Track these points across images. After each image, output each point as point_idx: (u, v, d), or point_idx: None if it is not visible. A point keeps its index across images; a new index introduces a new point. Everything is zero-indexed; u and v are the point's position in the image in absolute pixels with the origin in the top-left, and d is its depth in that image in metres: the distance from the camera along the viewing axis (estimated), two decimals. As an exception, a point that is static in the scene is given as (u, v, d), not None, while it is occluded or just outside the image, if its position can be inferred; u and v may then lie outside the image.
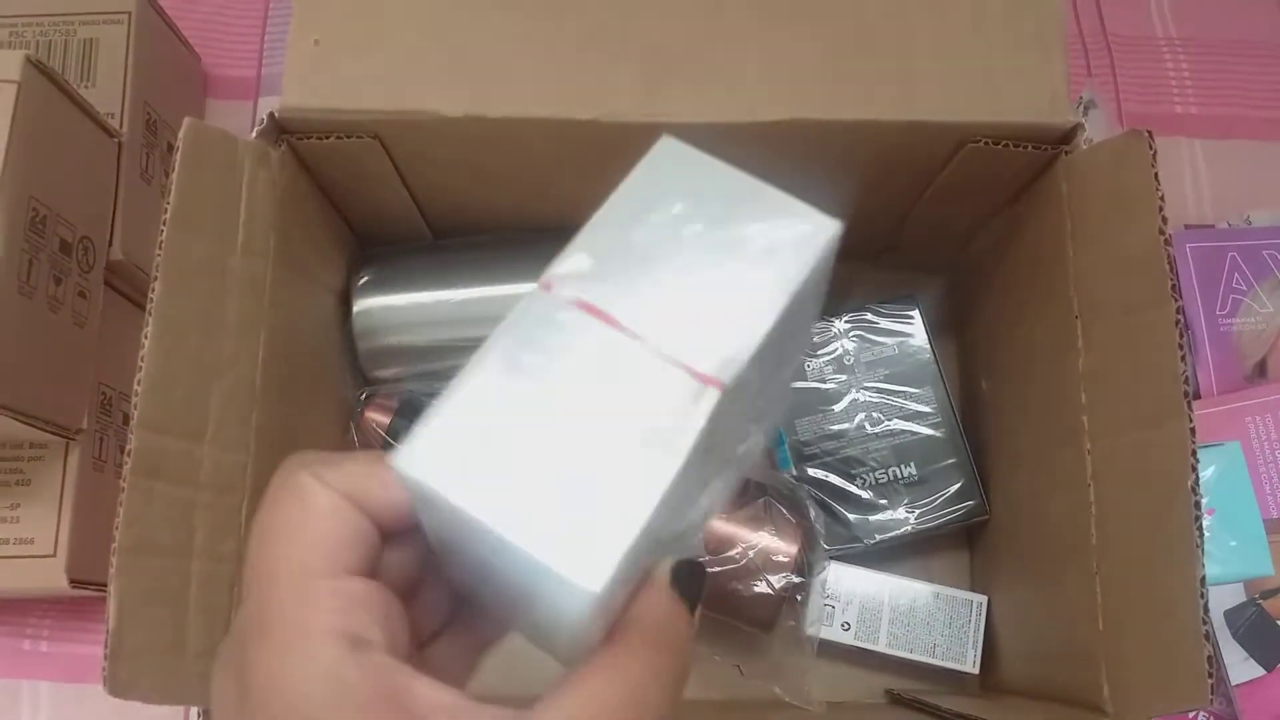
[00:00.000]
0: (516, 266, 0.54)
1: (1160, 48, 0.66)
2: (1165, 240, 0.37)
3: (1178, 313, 0.37)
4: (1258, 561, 0.47)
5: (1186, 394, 0.36)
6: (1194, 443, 0.36)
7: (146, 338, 0.38)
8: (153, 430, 0.38)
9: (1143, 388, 0.38)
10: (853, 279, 0.59)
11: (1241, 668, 0.52)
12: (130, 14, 0.57)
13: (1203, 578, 0.35)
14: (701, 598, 0.23)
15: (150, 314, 0.38)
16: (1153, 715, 0.37)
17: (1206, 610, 0.35)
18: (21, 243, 0.45)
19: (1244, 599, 0.53)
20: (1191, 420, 0.36)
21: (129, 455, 0.37)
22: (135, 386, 0.37)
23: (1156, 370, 0.37)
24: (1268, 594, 0.53)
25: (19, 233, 0.45)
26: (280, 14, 0.68)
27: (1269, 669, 0.52)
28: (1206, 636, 0.34)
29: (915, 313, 0.56)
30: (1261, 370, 0.57)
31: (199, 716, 0.40)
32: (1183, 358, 0.36)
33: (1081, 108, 0.60)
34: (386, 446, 0.52)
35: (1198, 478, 0.35)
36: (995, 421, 0.53)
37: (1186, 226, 0.61)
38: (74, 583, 0.50)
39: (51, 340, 0.48)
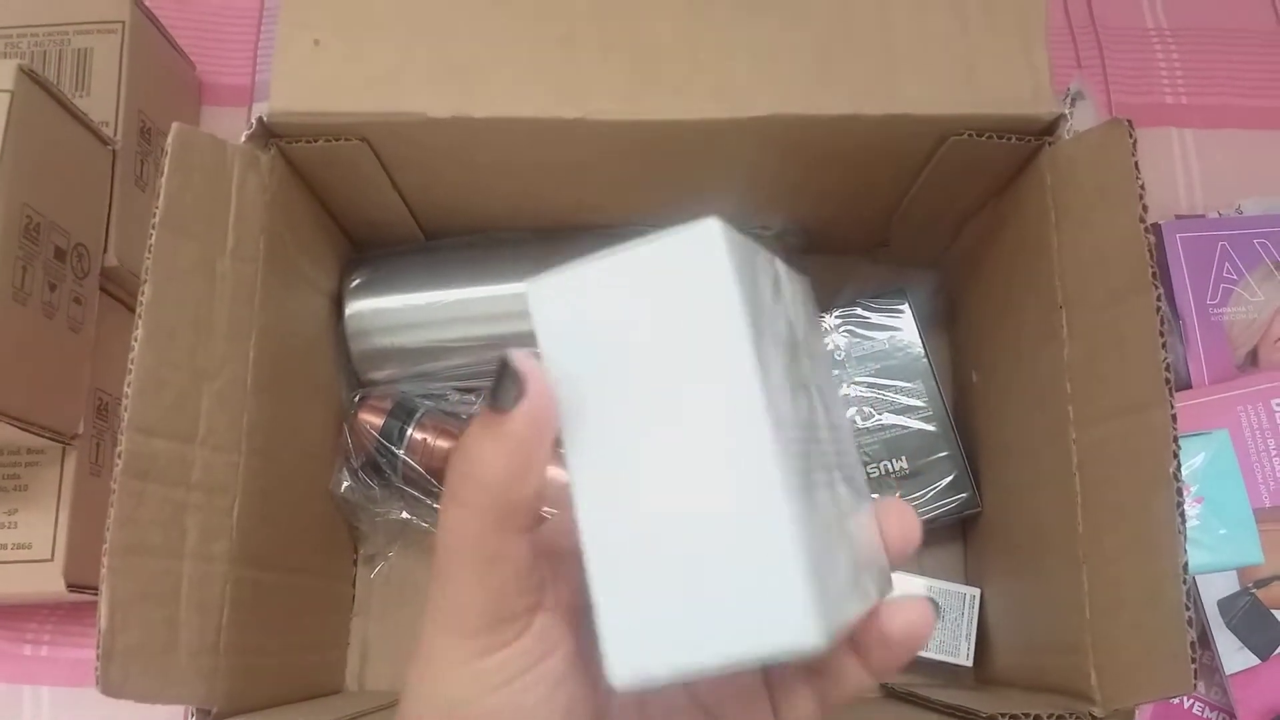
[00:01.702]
0: (508, 267, 0.54)
1: (1150, 38, 0.66)
2: (1145, 228, 0.38)
3: (1158, 300, 0.37)
4: (1247, 549, 0.47)
5: (1168, 381, 0.36)
6: (1175, 429, 0.36)
7: (136, 340, 0.38)
8: (143, 432, 0.38)
9: (1125, 376, 0.39)
10: (843, 274, 0.59)
11: (1236, 657, 0.52)
12: (124, 23, 0.58)
13: (1185, 564, 0.35)
14: (508, 390, 0.22)
15: (140, 317, 0.38)
16: (1139, 702, 0.38)
17: (1189, 596, 0.35)
18: (16, 250, 0.45)
19: (1237, 588, 0.53)
20: (1173, 407, 0.36)
21: (120, 457, 0.37)
22: (125, 389, 0.38)
23: (1138, 358, 0.38)
24: (1261, 583, 0.53)
25: (13, 240, 0.45)
26: (273, 21, 0.68)
27: (1263, 658, 0.52)
28: (1190, 623, 0.35)
29: (905, 307, 0.56)
30: (1253, 359, 0.57)
31: (194, 715, 0.40)
32: (1164, 345, 0.36)
33: (1070, 99, 0.60)
34: (379, 447, 0.52)
35: (1179, 465, 0.35)
36: (986, 414, 0.54)
37: (1177, 216, 0.61)
38: (72, 587, 0.51)
39: (47, 346, 0.49)
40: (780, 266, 0.26)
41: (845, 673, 0.26)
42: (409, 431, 0.52)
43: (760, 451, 0.20)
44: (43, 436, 0.49)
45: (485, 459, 0.22)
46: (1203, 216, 0.61)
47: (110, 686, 0.36)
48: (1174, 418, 0.36)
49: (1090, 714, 0.38)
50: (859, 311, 0.56)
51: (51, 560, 0.51)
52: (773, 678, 0.27)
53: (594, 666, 0.26)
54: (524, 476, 0.22)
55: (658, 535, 0.21)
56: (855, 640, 0.25)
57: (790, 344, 0.24)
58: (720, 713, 0.27)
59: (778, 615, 0.20)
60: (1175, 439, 0.36)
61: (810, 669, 0.26)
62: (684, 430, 0.21)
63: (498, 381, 0.22)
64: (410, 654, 0.24)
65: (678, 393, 0.21)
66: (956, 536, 0.57)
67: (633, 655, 0.21)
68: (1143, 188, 0.38)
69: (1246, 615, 0.53)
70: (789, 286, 0.26)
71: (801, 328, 0.26)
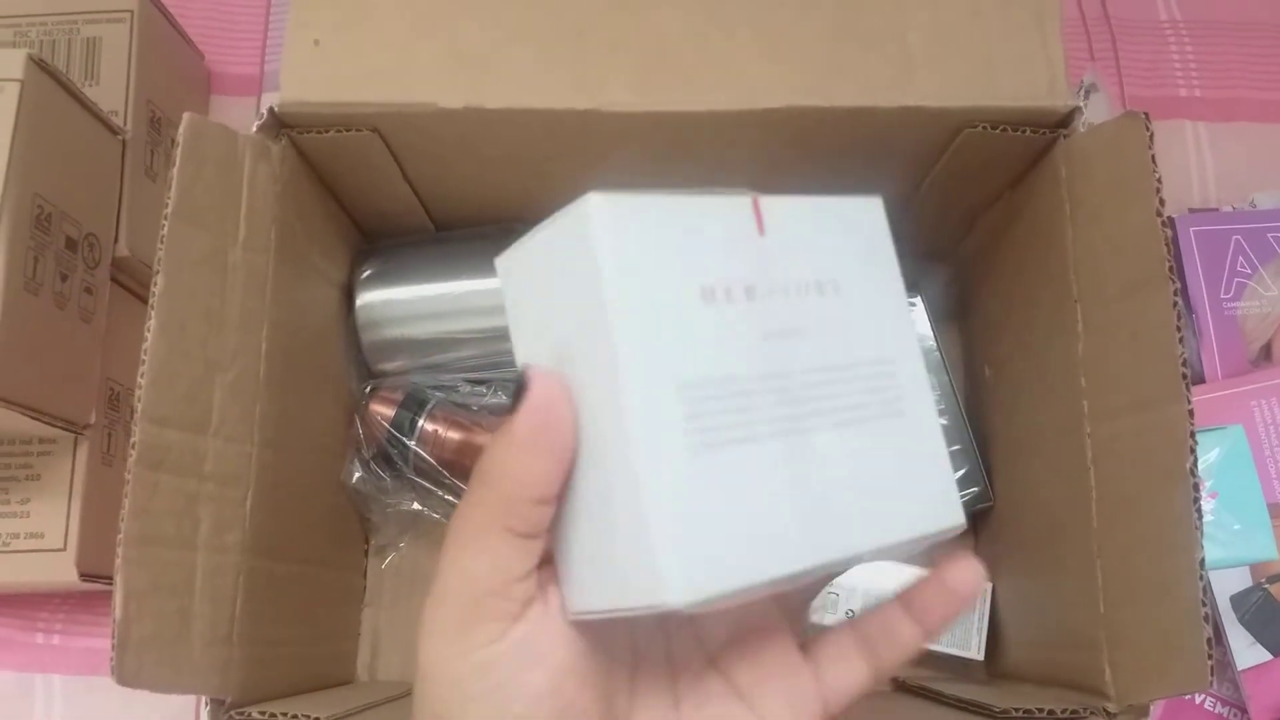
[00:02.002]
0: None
1: (1164, 31, 0.66)
2: (1163, 221, 0.37)
3: (1175, 294, 0.37)
4: (1261, 545, 0.47)
5: (1185, 376, 0.36)
6: (1192, 425, 0.36)
7: (149, 331, 0.38)
8: (157, 423, 0.38)
9: (1141, 370, 0.38)
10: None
11: (1248, 653, 0.52)
12: (132, 12, 0.57)
13: (1202, 560, 0.35)
14: (515, 395, 0.23)
15: (152, 307, 0.38)
16: (1154, 698, 0.37)
17: (1206, 592, 0.35)
18: (27, 240, 0.45)
19: (1250, 583, 0.53)
20: (1190, 402, 0.36)
21: (133, 447, 0.37)
22: (139, 380, 0.38)
23: (1154, 352, 0.37)
24: (1275, 578, 0.53)
25: (24, 230, 0.45)
26: (282, 10, 0.68)
27: (1275, 654, 0.52)
28: (1206, 619, 0.34)
29: (917, 301, 0.56)
30: (1266, 354, 0.57)
31: (207, 704, 0.40)
32: (1181, 339, 0.36)
33: (1083, 92, 0.60)
34: (390, 438, 0.52)
35: (1196, 460, 0.35)
36: (998, 408, 0.53)
37: (1190, 210, 0.61)
38: (84, 576, 0.51)
39: (58, 336, 0.49)
40: (770, 204, 0.26)
41: (899, 633, 0.27)
42: (420, 423, 0.52)
43: (624, 417, 0.22)
44: (55, 426, 0.49)
45: (489, 456, 0.23)
46: (1216, 210, 0.61)
47: (125, 676, 0.36)
48: (1190, 413, 0.36)
49: (1104, 709, 0.38)
50: (870, 304, 0.56)
51: (64, 549, 0.51)
52: (817, 649, 0.27)
53: (610, 673, 0.26)
54: (519, 476, 0.22)
55: (575, 493, 0.23)
56: (906, 599, 0.26)
57: (754, 290, 0.24)
58: (756, 696, 0.27)
59: (642, 573, 0.21)
60: (1192, 434, 0.35)
61: (861, 635, 0.27)
62: (587, 397, 0.23)
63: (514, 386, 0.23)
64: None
65: (584, 360, 0.23)
66: (968, 531, 0.57)
67: (569, 594, 0.24)
68: (1160, 180, 0.38)
69: (1259, 611, 0.53)
70: (795, 221, 0.26)
71: (800, 263, 0.26)
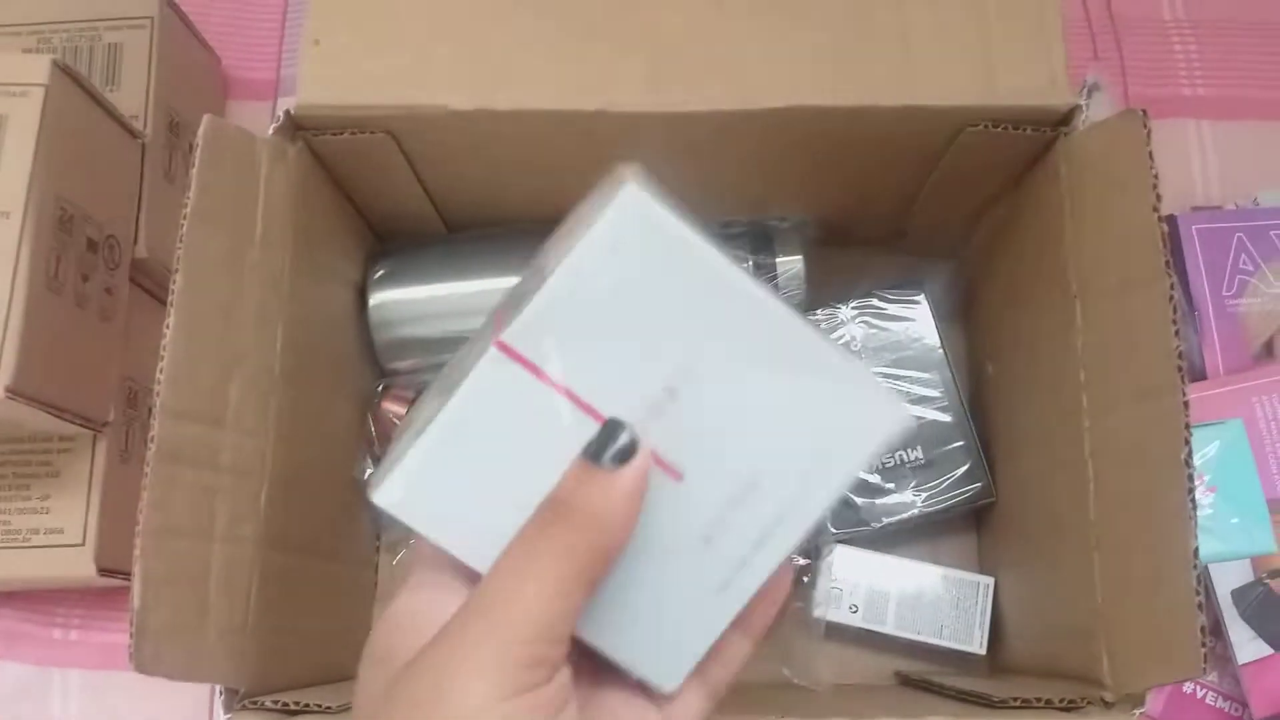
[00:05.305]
0: (529, 258, 0.55)
1: (1168, 30, 0.66)
2: (1159, 217, 0.38)
3: (1171, 288, 0.37)
4: (1260, 538, 0.47)
5: (1180, 369, 0.37)
6: (1187, 416, 0.36)
7: (168, 327, 0.39)
8: (175, 417, 0.39)
9: (1137, 364, 0.39)
10: (860, 266, 0.60)
11: (1249, 647, 0.53)
12: (153, 19, 0.59)
13: (1195, 549, 0.35)
14: (616, 450, 0.24)
15: (172, 304, 0.39)
16: (1149, 686, 0.38)
17: (1200, 581, 0.35)
18: (50, 241, 0.47)
19: (1251, 578, 0.53)
20: (1185, 395, 0.36)
21: (152, 440, 0.38)
22: (157, 375, 0.39)
23: (1151, 346, 0.38)
24: (1275, 573, 0.53)
25: (47, 231, 0.46)
26: (298, 17, 0.69)
27: (1276, 648, 0.53)
28: (1200, 607, 0.35)
29: (921, 298, 0.56)
30: (1269, 350, 0.57)
31: (222, 695, 0.41)
32: (1177, 333, 0.37)
33: (1086, 91, 0.61)
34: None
35: (1191, 451, 0.36)
36: (1000, 404, 0.54)
37: (1194, 208, 0.61)
38: (102, 571, 0.52)
39: (79, 335, 0.50)
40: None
41: (727, 651, 0.28)
42: (431, 420, 0.53)
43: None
44: (74, 424, 0.50)
45: (593, 502, 0.23)
46: (1219, 208, 0.61)
47: (143, 663, 0.37)
48: (1186, 404, 0.36)
49: (1102, 699, 0.39)
50: (875, 303, 0.56)
51: (83, 545, 0.52)
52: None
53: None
54: (613, 526, 0.23)
55: None
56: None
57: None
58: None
59: None
60: (1187, 424, 0.36)
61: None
62: None
63: (605, 440, 0.24)
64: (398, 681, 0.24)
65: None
66: (971, 526, 0.58)
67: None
68: (1156, 177, 0.38)
69: (1260, 605, 0.53)
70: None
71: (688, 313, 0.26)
